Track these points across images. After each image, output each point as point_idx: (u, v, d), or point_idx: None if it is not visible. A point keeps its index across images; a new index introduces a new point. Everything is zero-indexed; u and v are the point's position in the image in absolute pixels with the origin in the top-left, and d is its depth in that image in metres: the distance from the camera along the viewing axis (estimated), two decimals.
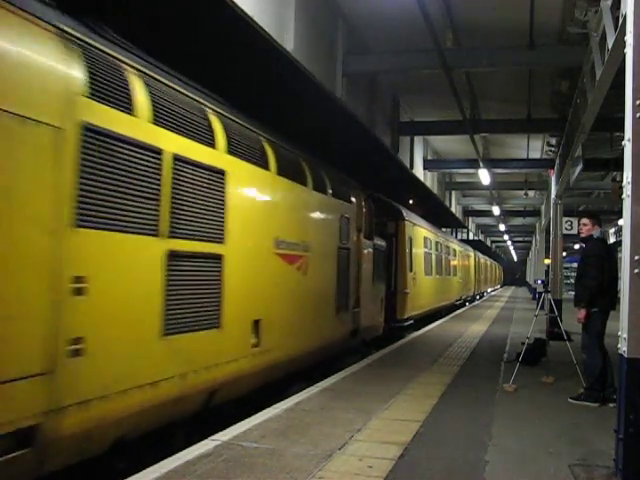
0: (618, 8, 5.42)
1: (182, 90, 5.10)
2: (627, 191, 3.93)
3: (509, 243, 55.97)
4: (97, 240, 3.86)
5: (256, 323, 6.01)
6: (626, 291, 3.88)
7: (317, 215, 8.05)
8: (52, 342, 3.48)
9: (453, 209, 27.10)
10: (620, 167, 4.58)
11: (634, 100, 3.89)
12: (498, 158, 18.67)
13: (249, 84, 7.88)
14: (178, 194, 4.69)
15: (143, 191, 4.28)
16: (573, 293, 7.33)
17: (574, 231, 14.58)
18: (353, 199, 9.56)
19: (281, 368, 6.74)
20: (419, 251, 15.92)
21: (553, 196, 15.67)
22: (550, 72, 11.72)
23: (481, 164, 16.05)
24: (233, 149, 5.62)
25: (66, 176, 3.60)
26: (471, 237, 40.51)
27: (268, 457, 4.20)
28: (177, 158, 4.67)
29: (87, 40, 3.96)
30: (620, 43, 4.95)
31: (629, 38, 3.97)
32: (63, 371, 3.54)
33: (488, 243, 55.63)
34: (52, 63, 3.57)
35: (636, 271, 3.82)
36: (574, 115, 10.60)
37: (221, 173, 5.36)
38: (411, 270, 14.35)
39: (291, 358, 6.95)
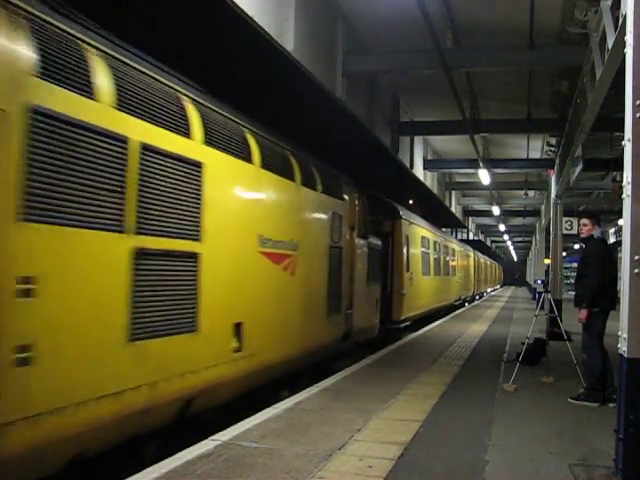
0: (618, 8, 5.42)
1: (154, 75, 4.70)
2: (627, 191, 3.93)
3: (509, 243, 55.95)
4: (48, 236, 3.49)
5: (238, 326, 5.67)
6: (626, 291, 3.88)
7: (306, 212, 7.66)
8: None
9: (453, 209, 27.09)
10: (620, 167, 4.57)
11: (634, 100, 3.89)
12: (498, 158, 18.64)
13: (249, 84, 7.88)
14: (147, 187, 4.32)
15: (105, 183, 3.90)
16: (573, 293, 7.32)
17: (574, 231, 14.58)
18: (346, 196, 9.22)
19: (266, 373, 6.41)
20: (416, 251, 15.62)
21: (553, 196, 15.67)
22: (550, 72, 11.71)
23: (481, 164, 16.04)
24: (211, 140, 5.25)
25: (11, 164, 3.24)
26: (471, 237, 40.51)
27: (268, 457, 4.20)
28: (146, 147, 4.31)
29: (40, 14, 3.59)
30: (620, 43, 4.95)
31: (629, 38, 3.97)
32: (8, 382, 3.20)
33: (488, 243, 55.63)
34: None
35: (636, 271, 3.82)
36: (574, 115, 10.60)
37: (197, 165, 4.99)
38: (408, 270, 14.08)
39: (277, 363, 6.62)
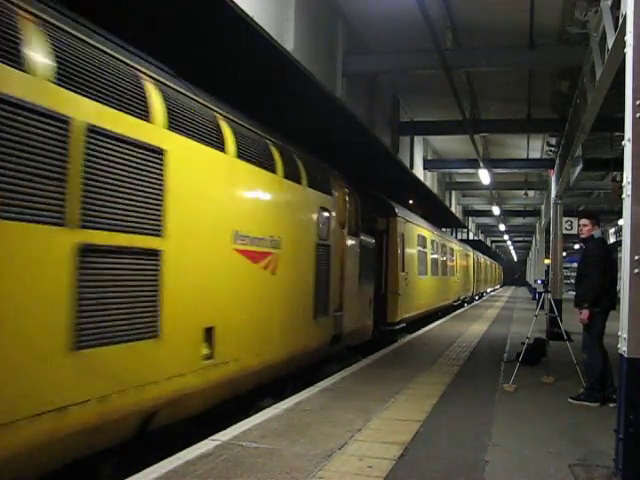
0: (618, 8, 5.42)
1: (106, 50, 4.18)
2: (627, 191, 3.93)
3: (509, 243, 55.97)
4: None
5: (209, 331, 5.15)
6: (626, 291, 3.88)
7: (289, 207, 7.05)
8: None
9: (453, 209, 27.08)
10: (620, 167, 4.57)
11: (634, 100, 3.89)
12: (498, 158, 18.64)
13: (249, 84, 7.89)
14: (95, 175, 3.83)
15: (40, 168, 3.41)
16: (573, 293, 7.32)
17: (574, 231, 14.57)
18: (334, 191, 8.65)
19: (244, 382, 5.95)
20: (412, 250, 15.13)
21: (553, 196, 15.67)
22: (550, 72, 11.71)
23: (481, 164, 16.04)
24: (176, 125, 4.72)
25: None
26: (471, 237, 40.51)
27: (268, 457, 4.20)
28: (93, 130, 3.80)
29: None
30: (620, 43, 4.95)
31: (629, 38, 3.97)
32: None
33: (488, 243, 55.63)
34: None
35: (636, 271, 3.82)
36: (574, 115, 10.60)
37: (158, 152, 4.46)
38: (403, 270, 13.56)
39: (257, 370, 6.13)
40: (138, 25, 5.85)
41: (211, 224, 5.27)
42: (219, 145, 5.40)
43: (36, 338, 3.43)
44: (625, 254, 3.94)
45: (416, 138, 17.10)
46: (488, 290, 44.98)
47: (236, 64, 7.55)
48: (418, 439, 4.83)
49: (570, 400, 6.46)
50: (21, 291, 3.34)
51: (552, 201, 15.78)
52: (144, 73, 4.54)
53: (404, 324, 13.61)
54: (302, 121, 9.10)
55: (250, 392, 6.26)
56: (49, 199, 3.49)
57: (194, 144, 4.99)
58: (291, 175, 7.01)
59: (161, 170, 4.49)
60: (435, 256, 19.05)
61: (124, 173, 4.10)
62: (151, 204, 4.40)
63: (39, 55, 3.48)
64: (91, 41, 4.03)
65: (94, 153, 3.83)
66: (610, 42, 6.12)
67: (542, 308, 8.91)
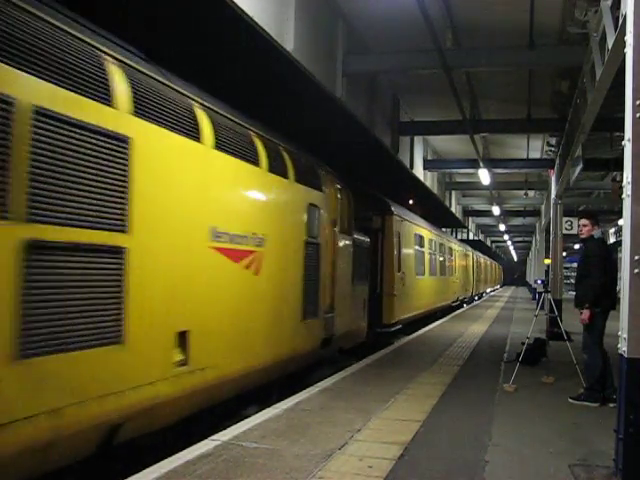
0: (618, 8, 5.42)
1: (60, 25, 3.79)
2: (627, 191, 3.94)
3: (509, 243, 55.99)
4: None
5: (182, 335, 4.76)
6: (626, 291, 3.88)
7: (275, 203, 6.63)
8: None
9: (453, 209, 27.10)
10: (620, 167, 4.58)
11: (634, 100, 3.89)
12: (498, 158, 18.67)
13: (249, 84, 7.89)
14: (45, 163, 3.45)
15: None
16: (574, 294, 7.32)
17: (574, 231, 14.57)
18: (325, 187, 8.20)
19: (223, 389, 5.55)
20: (409, 249, 14.67)
21: (553, 196, 15.67)
22: (550, 72, 11.72)
23: (481, 164, 16.05)
24: (143, 111, 4.33)
25: None
26: (471, 237, 40.54)
27: (268, 457, 4.20)
28: (41, 113, 3.43)
29: None
30: (620, 43, 4.95)
31: (629, 38, 3.97)
32: None
33: (488, 243, 55.65)
34: None
35: (636, 271, 3.82)
36: (574, 115, 10.60)
37: (123, 140, 4.08)
38: (399, 270, 13.13)
39: (237, 377, 5.72)
40: (138, 25, 5.85)
41: (185, 220, 4.86)
42: (194, 135, 5.01)
43: None
44: (625, 254, 3.94)
45: (416, 138, 17.12)
46: (488, 290, 44.96)
47: (236, 64, 7.56)
48: (418, 439, 4.83)
49: (570, 400, 6.46)
50: None
51: (552, 201, 15.78)
52: (107, 54, 4.15)
53: (400, 325, 13.23)
54: (302, 121, 9.11)
55: (232, 400, 5.90)
56: None
57: (166, 132, 4.60)
58: (277, 169, 6.60)
59: (125, 160, 4.10)
60: (433, 256, 18.72)
61: (80, 162, 3.71)
62: (113, 197, 3.99)
63: None
64: (44, 16, 3.65)
65: (44, 139, 3.46)
66: (610, 42, 6.12)
67: (542, 308, 8.92)
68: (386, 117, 13.58)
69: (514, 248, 62.42)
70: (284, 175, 6.81)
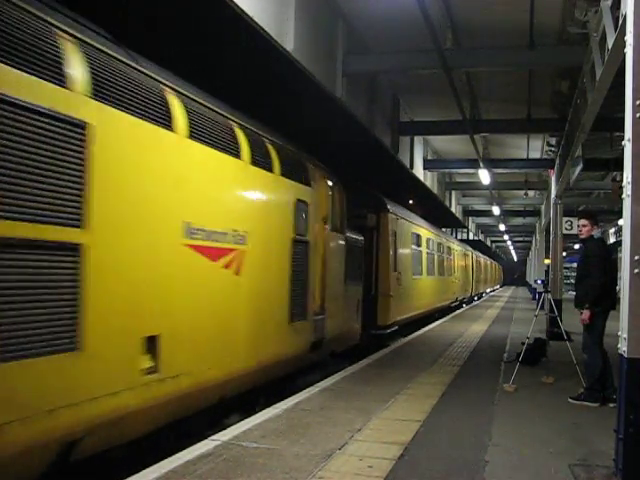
0: (618, 8, 5.42)
1: None
2: (627, 191, 3.94)
3: (509, 243, 56.00)
4: None
5: (151, 340, 4.38)
6: (626, 291, 3.88)
7: (258, 198, 6.27)
8: None
9: (453, 209, 27.10)
10: (620, 167, 4.58)
11: (634, 100, 3.89)
12: (498, 158, 18.66)
13: (249, 84, 7.90)
14: None
15: None
16: (574, 294, 7.32)
17: (574, 231, 14.56)
18: (315, 182, 7.78)
19: (200, 397, 5.19)
20: (406, 248, 14.26)
21: (553, 196, 15.68)
22: (550, 72, 11.72)
23: (481, 164, 16.05)
24: (104, 95, 3.92)
25: None
26: (471, 237, 40.54)
27: (268, 457, 4.20)
28: None
29: None
30: (620, 43, 4.95)
31: (629, 38, 3.97)
32: None
33: (488, 243, 55.65)
34: None
35: (636, 271, 3.82)
36: (574, 115, 10.60)
37: (79, 126, 3.66)
38: (395, 269, 12.67)
39: (216, 384, 5.37)
40: (138, 25, 5.86)
41: (154, 215, 4.47)
42: (166, 122, 4.61)
43: None
44: (625, 254, 3.94)
45: (416, 138, 17.12)
46: (488, 290, 44.94)
47: (236, 64, 7.56)
48: (418, 439, 4.83)
49: (570, 400, 6.46)
50: None
51: (552, 201, 15.79)
52: (61, 29, 3.70)
53: (396, 327, 12.82)
54: (302, 121, 9.11)
55: (213, 407, 5.58)
56: None
57: (131, 119, 4.19)
58: (260, 162, 6.18)
59: (82, 148, 3.69)
60: (432, 255, 18.45)
61: (26, 149, 3.31)
62: (66, 189, 3.58)
63: None
64: None
65: None
66: (610, 42, 6.12)
67: (542, 308, 8.92)
68: (386, 117, 13.57)
69: (514, 248, 62.42)
70: (269, 168, 6.42)
